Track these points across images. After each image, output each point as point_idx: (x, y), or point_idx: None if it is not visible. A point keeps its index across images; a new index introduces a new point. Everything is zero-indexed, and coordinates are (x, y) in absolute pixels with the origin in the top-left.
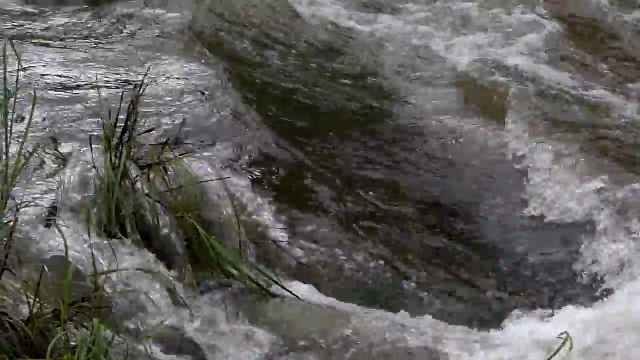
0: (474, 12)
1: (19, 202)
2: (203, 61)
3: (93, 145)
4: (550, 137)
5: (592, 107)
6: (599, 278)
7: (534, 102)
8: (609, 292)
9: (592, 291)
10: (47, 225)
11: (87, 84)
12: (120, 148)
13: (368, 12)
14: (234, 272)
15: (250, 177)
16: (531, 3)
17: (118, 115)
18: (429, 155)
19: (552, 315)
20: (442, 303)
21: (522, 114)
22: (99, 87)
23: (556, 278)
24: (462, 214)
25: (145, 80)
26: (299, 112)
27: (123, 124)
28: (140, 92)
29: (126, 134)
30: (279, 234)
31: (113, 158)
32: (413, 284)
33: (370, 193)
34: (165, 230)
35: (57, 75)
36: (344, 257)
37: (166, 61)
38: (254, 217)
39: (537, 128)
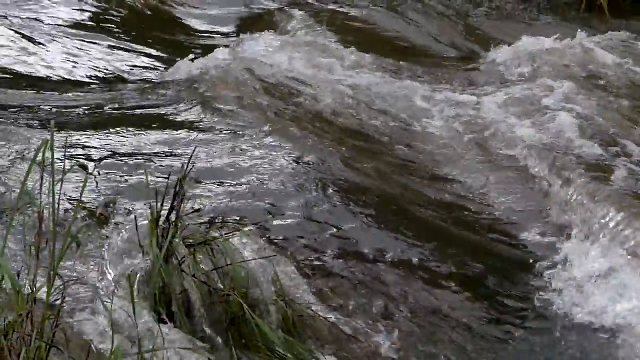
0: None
1: (66, 280)
2: (250, 140)
3: (140, 224)
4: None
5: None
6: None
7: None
8: None
9: None
10: (94, 303)
11: (135, 162)
12: (167, 228)
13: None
14: (280, 351)
15: (296, 256)
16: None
17: (165, 194)
18: (466, 221)
19: None
20: None
21: (548, 171)
22: (147, 165)
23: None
24: (499, 279)
25: (193, 159)
26: (343, 190)
27: (170, 204)
28: (188, 171)
29: (173, 214)
30: (325, 311)
31: (160, 238)
32: (450, 353)
33: (413, 270)
34: (211, 310)
35: (103, 153)
36: (389, 335)
37: (214, 140)
38: (301, 294)
39: (565, 184)
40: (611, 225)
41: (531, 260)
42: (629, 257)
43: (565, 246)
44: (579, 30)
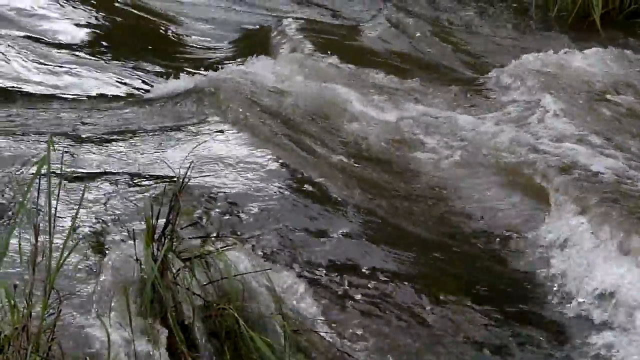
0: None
1: (62, 293)
2: (247, 153)
3: (136, 238)
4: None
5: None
6: None
7: (577, 186)
8: None
9: None
10: (89, 317)
11: (130, 177)
12: (162, 241)
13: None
14: None
15: (292, 269)
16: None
17: (161, 208)
18: (470, 242)
19: None
20: None
21: (565, 197)
22: (142, 179)
23: None
24: (504, 308)
25: (189, 173)
26: (341, 205)
27: (166, 217)
28: (183, 185)
29: (168, 227)
30: (321, 325)
31: (155, 251)
32: None
33: (412, 286)
34: (205, 324)
35: (100, 167)
36: (387, 348)
37: (211, 155)
38: (296, 308)
39: (581, 212)
40: (616, 242)
41: (533, 276)
42: (632, 269)
43: (569, 261)
44: (573, 46)
